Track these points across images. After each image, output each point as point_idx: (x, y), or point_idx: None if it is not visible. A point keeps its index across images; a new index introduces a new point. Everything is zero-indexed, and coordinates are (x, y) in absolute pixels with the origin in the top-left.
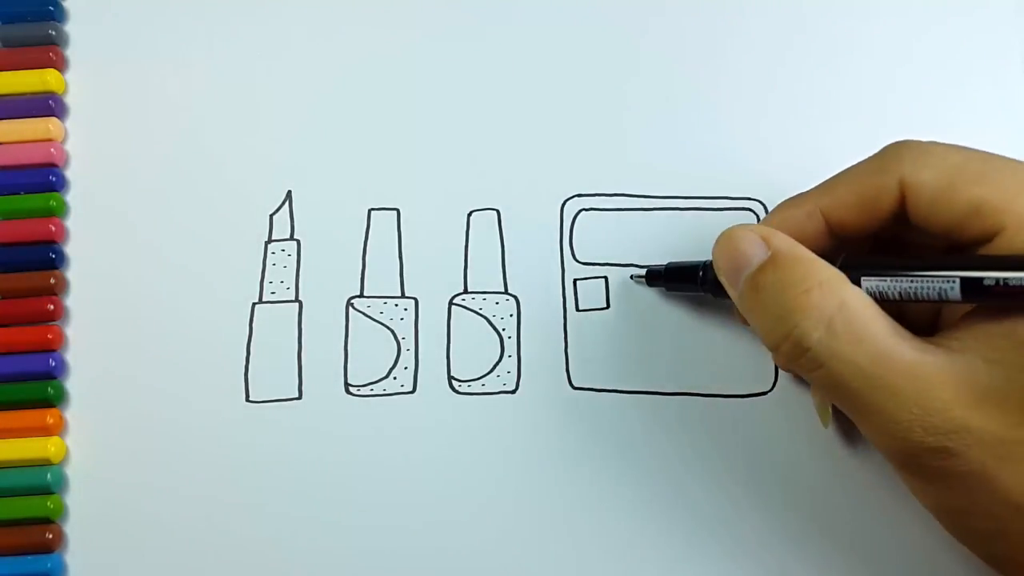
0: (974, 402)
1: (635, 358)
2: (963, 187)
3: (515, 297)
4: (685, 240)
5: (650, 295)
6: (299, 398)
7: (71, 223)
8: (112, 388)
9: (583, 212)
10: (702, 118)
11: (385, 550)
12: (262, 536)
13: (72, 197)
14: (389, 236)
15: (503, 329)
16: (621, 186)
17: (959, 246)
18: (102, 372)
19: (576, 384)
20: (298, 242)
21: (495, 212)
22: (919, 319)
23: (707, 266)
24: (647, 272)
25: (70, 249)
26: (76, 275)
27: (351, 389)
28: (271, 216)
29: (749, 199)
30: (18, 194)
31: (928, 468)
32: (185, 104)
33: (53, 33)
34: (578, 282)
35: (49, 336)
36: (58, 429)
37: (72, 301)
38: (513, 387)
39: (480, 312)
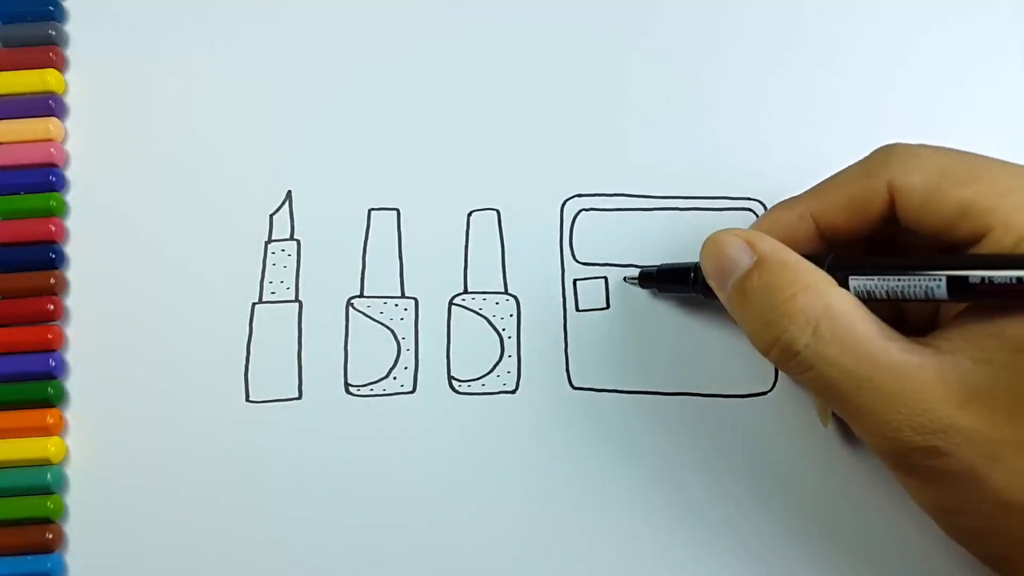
0: (962, 401)
1: (635, 358)
2: (951, 189)
3: (515, 297)
4: (685, 240)
5: (650, 295)
6: (299, 398)
7: (71, 223)
8: (112, 388)
9: (583, 212)
10: (702, 118)
11: (385, 550)
12: (262, 536)
13: (72, 197)
14: (389, 236)
15: (503, 329)
16: (621, 186)
17: (949, 247)
18: (102, 372)
19: (576, 384)
20: (298, 242)
21: (495, 212)
22: (919, 320)
23: (698, 268)
24: (640, 273)
25: (70, 249)
26: (76, 275)
27: (351, 389)
28: (271, 216)
29: (749, 199)
30: (18, 194)
31: (919, 467)
32: (185, 104)
33: (53, 33)
34: (578, 282)
35: (49, 336)
36: (58, 429)
37: (72, 301)
38: (513, 387)
39: (480, 312)
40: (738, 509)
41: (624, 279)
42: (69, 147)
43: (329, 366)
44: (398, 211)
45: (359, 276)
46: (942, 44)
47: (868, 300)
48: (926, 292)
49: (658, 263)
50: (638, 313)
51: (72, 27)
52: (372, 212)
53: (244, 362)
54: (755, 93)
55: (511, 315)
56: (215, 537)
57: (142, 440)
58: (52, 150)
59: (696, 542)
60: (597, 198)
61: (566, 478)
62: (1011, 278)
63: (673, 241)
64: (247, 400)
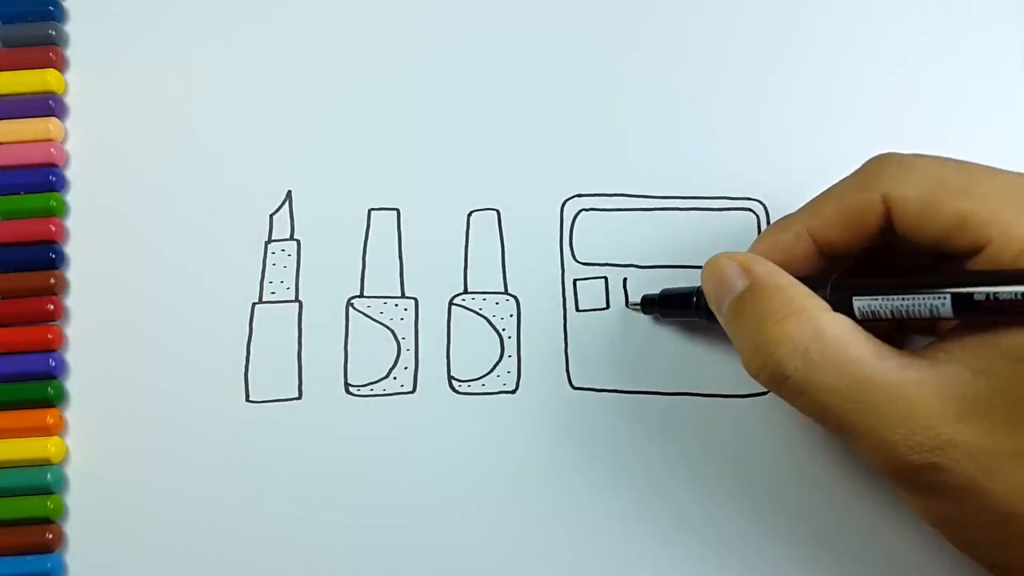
0: (960, 415)
1: (635, 358)
2: (947, 200)
3: (515, 297)
4: (685, 240)
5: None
6: (299, 398)
7: (71, 223)
8: (112, 388)
9: (583, 212)
10: (702, 118)
11: (385, 550)
12: (262, 536)
13: (72, 197)
14: (389, 236)
15: (503, 329)
16: (621, 186)
17: (949, 257)
18: (102, 372)
19: (576, 384)
20: (298, 242)
21: (495, 212)
22: (920, 325)
23: (700, 292)
24: (642, 299)
25: (70, 249)
26: (76, 275)
27: (351, 389)
28: (271, 216)
29: (749, 199)
30: (18, 194)
31: (919, 483)
32: (185, 104)
33: (53, 33)
34: (578, 282)
35: (49, 336)
36: (58, 429)
37: (72, 301)
38: (513, 387)
39: (480, 312)
40: (739, 508)
41: (627, 306)
42: (69, 147)
43: (329, 366)
44: (398, 211)
45: (359, 276)
46: (942, 44)
47: (872, 320)
48: (931, 310)
49: (658, 263)
50: (638, 313)
51: (72, 27)
52: (372, 212)
53: (244, 362)
54: (755, 93)
55: (511, 315)
56: (215, 537)
57: (142, 440)
58: (52, 150)
59: (696, 541)
60: (597, 198)
61: (566, 478)
62: (1016, 294)
63: (673, 241)
64: (247, 400)
